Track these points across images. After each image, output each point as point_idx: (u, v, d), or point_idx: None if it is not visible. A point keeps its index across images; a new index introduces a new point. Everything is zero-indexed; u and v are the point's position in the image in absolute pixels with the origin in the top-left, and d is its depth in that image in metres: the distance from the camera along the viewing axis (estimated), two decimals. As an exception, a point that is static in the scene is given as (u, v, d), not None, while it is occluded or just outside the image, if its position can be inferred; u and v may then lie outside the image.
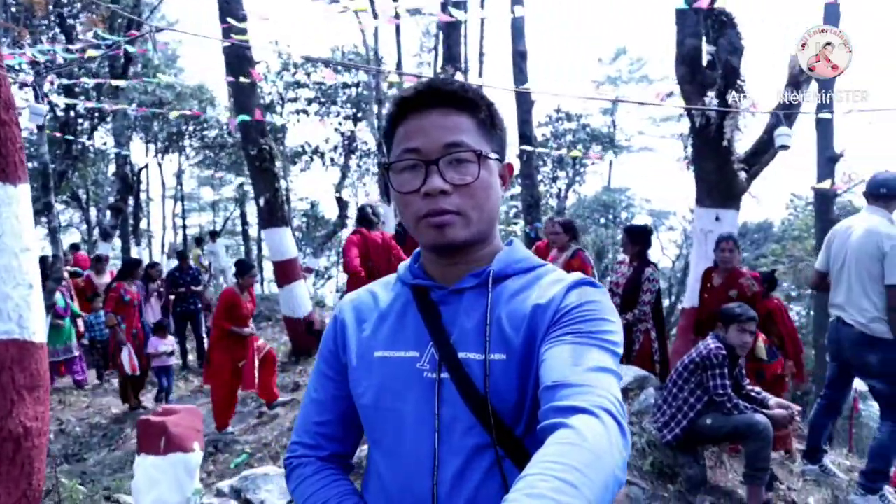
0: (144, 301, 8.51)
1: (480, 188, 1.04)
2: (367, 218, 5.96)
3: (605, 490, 0.71)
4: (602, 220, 26.02)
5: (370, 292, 1.22)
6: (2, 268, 2.53)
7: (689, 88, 6.25)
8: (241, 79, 7.78)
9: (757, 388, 3.99)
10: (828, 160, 12.03)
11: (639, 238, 5.18)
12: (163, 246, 18.13)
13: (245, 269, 6.50)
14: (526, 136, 13.23)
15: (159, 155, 15.66)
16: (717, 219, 6.22)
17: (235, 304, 6.21)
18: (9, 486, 2.55)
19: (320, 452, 1.19)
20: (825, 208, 12.75)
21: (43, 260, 9.15)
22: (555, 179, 21.98)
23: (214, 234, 16.01)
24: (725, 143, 6.09)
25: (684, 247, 24.97)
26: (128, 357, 7.12)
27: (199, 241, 15.80)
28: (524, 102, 13.25)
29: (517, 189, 20.04)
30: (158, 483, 2.66)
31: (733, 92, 5.91)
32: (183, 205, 27.02)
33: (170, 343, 7.65)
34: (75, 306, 8.56)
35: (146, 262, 11.88)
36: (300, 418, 1.23)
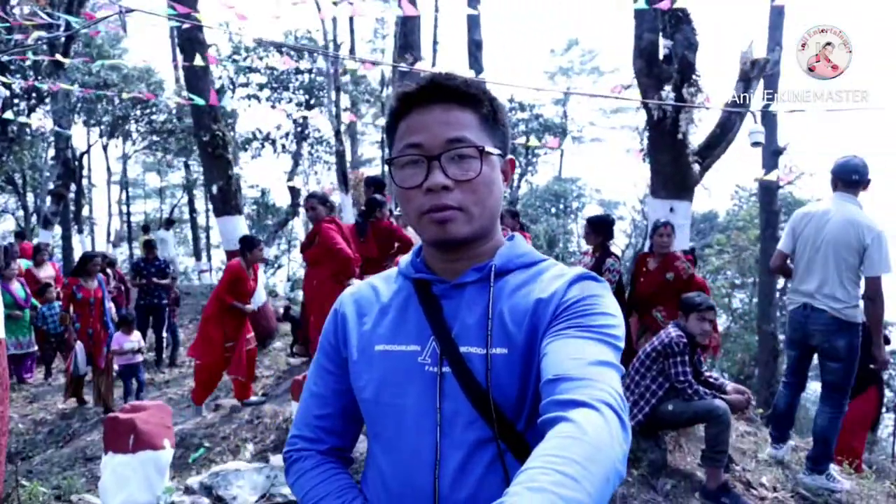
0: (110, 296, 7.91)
1: (482, 184, 1.05)
2: (332, 207, 5.92)
3: (606, 483, 0.71)
4: (553, 210, 26.38)
5: (371, 286, 1.21)
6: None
7: (646, 81, 6.37)
8: (197, 62, 7.54)
9: (714, 374, 4.13)
10: (772, 153, 12.48)
11: (601, 228, 5.28)
12: (108, 234, 17.49)
13: (252, 244, 6.20)
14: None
15: (104, 139, 15.05)
16: (671, 210, 6.38)
17: (241, 279, 5.96)
18: (-35, 488, 2.44)
19: (320, 446, 1.18)
20: (769, 199, 13.24)
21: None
22: (507, 169, 22.11)
23: (171, 222, 15.55)
24: (680, 136, 6.24)
25: (633, 236, 25.56)
26: (81, 357, 6.60)
27: (145, 228, 15.34)
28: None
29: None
30: (128, 482, 2.58)
31: (689, 86, 6.06)
32: (127, 192, 26.14)
33: (136, 339, 7.01)
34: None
35: (86, 251, 11.43)
36: (300, 412, 1.23)
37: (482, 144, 1.05)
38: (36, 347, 8.28)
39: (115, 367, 7.13)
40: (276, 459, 3.57)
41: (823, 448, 4.16)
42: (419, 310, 1.10)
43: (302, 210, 16.13)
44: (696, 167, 6.54)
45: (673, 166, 6.39)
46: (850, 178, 4.02)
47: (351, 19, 15.94)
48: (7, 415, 2.62)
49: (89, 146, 18.45)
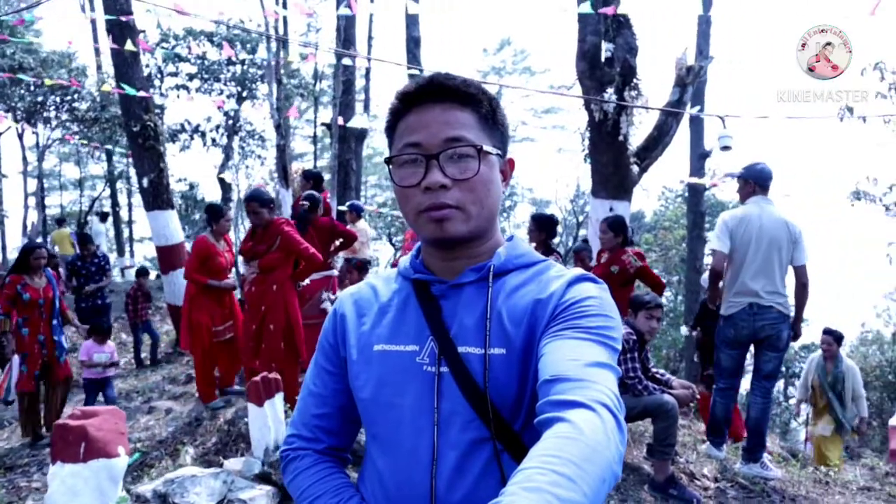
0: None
1: (480, 183, 1.05)
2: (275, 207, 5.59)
3: (602, 484, 0.72)
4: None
5: (370, 286, 1.21)
6: None
7: (588, 83, 6.51)
8: (129, 47, 7.20)
9: (661, 370, 4.27)
10: (699, 157, 13.04)
11: (544, 226, 5.37)
12: (24, 227, 16.46)
13: (217, 213, 5.66)
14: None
15: (19, 126, 14.14)
16: (610, 209, 6.56)
17: (211, 254, 5.43)
18: None
19: (317, 445, 1.19)
20: (696, 200, 13.82)
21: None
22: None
23: (105, 216, 14.79)
24: (621, 137, 6.42)
25: (563, 234, 26.12)
26: (16, 372, 5.41)
27: (60, 221, 14.53)
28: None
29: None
30: (78, 493, 2.41)
31: (630, 89, 6.23)
32: (42, 183, 24.69)
33: (109, 351, 5.96)
34: None
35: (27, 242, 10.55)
36: (298, 411, 1.23)
37: (480, 144, 1.05)
38: None
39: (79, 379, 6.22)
40: (231, 463, 3.44)
41: (758, 438, 4.39)
42: (418, 310, 1.10)
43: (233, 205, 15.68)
44: (636, 168, 6.74)
45: (613, 167, 6.57)
46: (766, 184, 4.41)
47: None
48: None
49: (0, 133, 17.33)
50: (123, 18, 7.60)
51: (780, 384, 18.62)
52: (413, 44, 14.00)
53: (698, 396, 4.15)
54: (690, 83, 6.97)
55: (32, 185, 18.77)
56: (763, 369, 4.37)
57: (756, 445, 4.37)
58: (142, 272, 9.12)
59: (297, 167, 9.98)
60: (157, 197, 8.60)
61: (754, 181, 4.41)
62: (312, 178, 7.14)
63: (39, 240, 15.87)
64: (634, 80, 6.37)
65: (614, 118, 6.36)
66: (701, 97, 12.62)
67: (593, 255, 5.98)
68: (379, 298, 1.17)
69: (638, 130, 6.77)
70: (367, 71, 19.09)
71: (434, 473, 1.01)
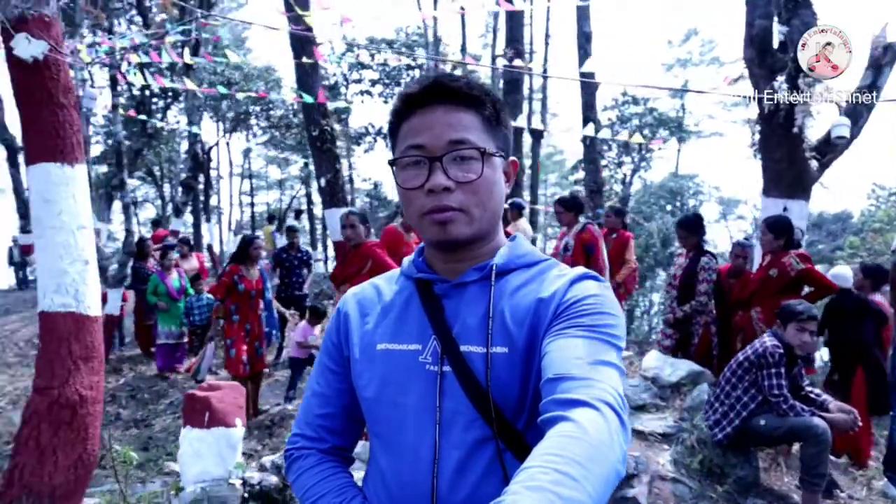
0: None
1: (483, 185, 1.05)
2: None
3: (606, 483, 0.71)
4: (669, 208, 25.27)
5: (374, 286, 1.23)
6: (59, 244, 2.66)
7: (757, 72, 5.98)
8: (304, 59, 7.88)
9: (817, 391, 3.81)
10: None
11: (694, 228, 5.04)
12: (229, 223, 18.72)
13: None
14: (589, 120, 12.96)
15: (227, 134, 16.12)
16: (784, 209, 5.95)
17: (399, 243, 5.50)
18: (66, 450, 2.72)
19: (321, 445, 1.20)
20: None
21: (141, 241, 9.46)
22: (620, 165, 21.47)
23: (299, 213, 16.22)
24: (796, 130, 5.79)
25: (754, 237, 24.05)
26: (207, 364, 5.84)
27: (270, 217, 16.17)
28: (588, 86, 12.96)
29: (580, 174, 19.68)
30: (202, 456, 2.76)
31: (805, 76, 5.60)
32: (251, 183, 27.80)
33: (319, 334, 6.25)
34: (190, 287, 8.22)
35: (247, 234, 11.20)
36: (302, 411, 1.24)
37: (484, 146, 1.05)
38: (186, 339, 8.15)
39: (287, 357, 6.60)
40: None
41: None
42: (421, 309, 1.10)
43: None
44: (814, 164, 6.05)
45: (787, 162, 5.96)
46: None
47: (462, 14, 16.03)
48: (101, 386, 2.88)
49: (217, 141, 19.84)
50: (302, 33, 8.32)
51: None
52: (584, 39, 13.70)
53: (860, 424, 3.62)
54: (887, 64, 6.09)
55: (237, 185, 21.16)
56: None
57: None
58: None
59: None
60: (333, 195, 9.33)
61: None
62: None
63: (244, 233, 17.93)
64: (812, 66, 5.70)
65: (787, 109, 5.76)
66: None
67: (757, 253, 5.50)
68: (382, 298, 1.18)
69: (819, 121, 6.07)
70: (544, 70, 19.05)
71: (436, 472, 1.01)
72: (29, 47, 2.65)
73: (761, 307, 4.62)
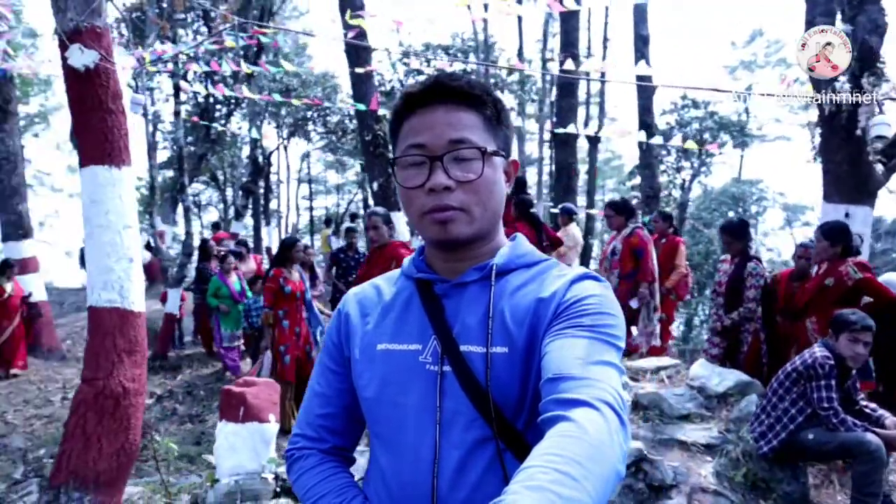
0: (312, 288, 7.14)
1: (484, 185, 1.05)
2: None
3: (606, 483, 0.71)
4: (731, 214, 24.47)
5: (374, 286, 1.23)
6: (106, 243, 2.79)
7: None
8: (356, 69, 8.03)
9: (873, 405, 3.62)
10: None
11: (739, 234, 4.89)
12: (286, 227, 19.20)
13: None
14: (646, 125, 12.72)
15: (286, 139, 16.57)
16: (846, 215, 5.68)
17: None
18: (110, 438, 2.85)
19: (322, 445, 1.20)
20: None
21: (204, 242, 9.78)
22: (679, 170, 20.93)
23: (354, 217, 16.49)
24: (858, 132, 5.53)
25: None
26: (267, 370, 5.70)
27: (327, 221, 16.47)
28: (645, 89, 12.74)
29: (637, 180, 19.28)
30: (237, 450, 2.85)
31: (869, 75, 5.35)
32: (310, 187, 28.40)
33: None
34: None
35: (286, 236, 11.01)
36: (303, 411, 1.25)
37: (485, 146, 1.05)
38: (242, 341, 8.28)
39: None
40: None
41: None
42: (421, 309, 1.11)
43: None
44: (880, 167, 5.76)
45: (849, 166, 5.69)
46: None
47: (519, 18, 16.02)
48: (144, 379, 3.00)
49: (277, 146, 20.40)
50: (355, 42, 8.48)
51: None
52: (641, 42, 13.47)
53: (919, 441, 3.41)
54: (961, 64, 5.75)
55: (296, 189, 21.63)
56: None
57: None
58: None
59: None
60: (385, 199, 9.45)
61: None
62: (515, 183, 7.21)
63: (306, 239, 18.33)
64: (877, 65, 5.44)
65: (849, 110, 5.51)
66: None
67: None
68: (382, 298, 1.18)
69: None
70: (602, 73, 18.80)
71: (436, 472, 1.02)
72: (81, 57, 2.81)
73: (816, 317, 4.43)
